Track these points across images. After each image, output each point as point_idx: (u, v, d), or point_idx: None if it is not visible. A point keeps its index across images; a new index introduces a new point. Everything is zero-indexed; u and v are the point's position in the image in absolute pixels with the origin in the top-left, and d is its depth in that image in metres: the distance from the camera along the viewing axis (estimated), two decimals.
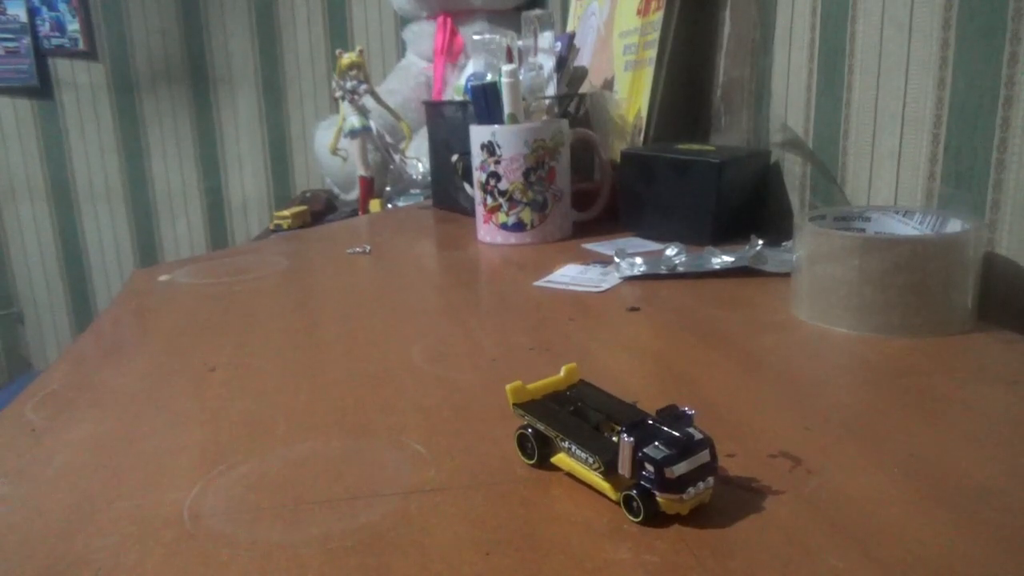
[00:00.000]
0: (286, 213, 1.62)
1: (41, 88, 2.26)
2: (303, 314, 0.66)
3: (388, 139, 1.50)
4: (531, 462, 0.39)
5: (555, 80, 0.95)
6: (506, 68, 0.83)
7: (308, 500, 0.36)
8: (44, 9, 2.21)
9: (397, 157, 1.50)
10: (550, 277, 0.72)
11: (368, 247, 0.89)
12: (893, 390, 0.45)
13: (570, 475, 0.37)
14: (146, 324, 0.66)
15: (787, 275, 0.63)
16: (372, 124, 1.47)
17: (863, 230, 0.61)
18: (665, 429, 0.34)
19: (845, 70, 0.73)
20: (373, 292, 0.72)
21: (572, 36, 1.01)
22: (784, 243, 0.70)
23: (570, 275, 0.72)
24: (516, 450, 0.39)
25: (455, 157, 0.95)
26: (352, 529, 0.34)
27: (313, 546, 0.33)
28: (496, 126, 0.84)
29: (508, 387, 0.39)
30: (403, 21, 2.01)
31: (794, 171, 0.83)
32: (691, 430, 0.34)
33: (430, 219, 1.07)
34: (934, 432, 0.40)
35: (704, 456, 0.33)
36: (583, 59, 1.09)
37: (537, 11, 0.96)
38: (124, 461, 0.41)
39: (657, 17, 0.93)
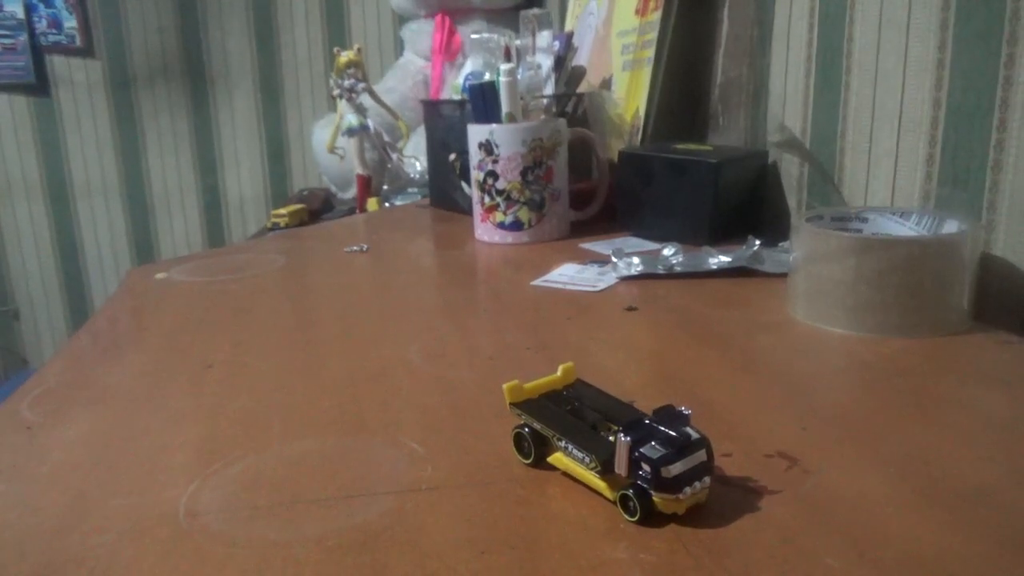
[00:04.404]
0: (283, 211, 1.62)
1: (38, 85, 2.26)
2: (300, 312, 0.66)
3: (386, 137, 1.50)
4: (528, 461, 0.39)
5: (553, 79, 0.95)
6: (504, 67, 0.83)
7: (304, 498, 0.36)
8: (41, 6, 2.20)
9: (395, 156, 1.50)
10: (547, 276, 0.72)
11: (366, 246, 0.89)
12: (889, 390, 0.45)
13: (567, 474, 0.37)
14: (142, 322, 0.66)
15: (784, 275, 0.63)
16: (370, 122, 1.47)
17: (860, 231, 0.61)
18: (662, 429, 0.34)
19: (843, 70, 0.73)
20: (370, 291, 0.72)
21: (570, 35, 1.01)
22: (781, 243, 0.71)
23: (567, 274, 0.72)
24: (513, 449, 0.39)
25: (453, 156, 0.95)
26: (348, 528, 0.34)
27: (309, 544, 0.33)
28: (494, 125, 0.84)
29: (505, 386, 0.39)
30: (401, 19, 2.00)
31: (791, 171, 0.83)
32: (688, 430, 0.34)
33: (427, 218, 1.07)
34: (930, 432, 0.40)
35: (700, 456, 0.33)
36: (581, 58, 1.09)
37: (535, 10, 0.96)
38: (120, 459, 0.41)
39: (655, 17, 0.93)
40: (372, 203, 1.45)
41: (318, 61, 2.29)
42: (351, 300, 0.69)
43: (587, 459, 0.35)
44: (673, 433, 0.33)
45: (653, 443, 0.33)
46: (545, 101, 0.92)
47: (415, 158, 1.48)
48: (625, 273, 0.70)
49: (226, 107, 2.32)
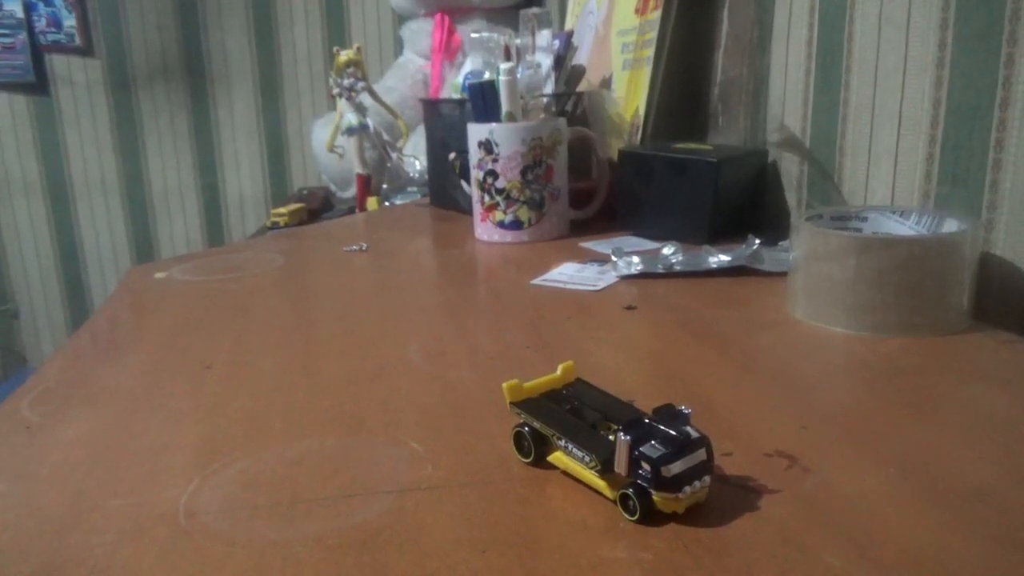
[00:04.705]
0: (283, 210, 1.62)
1: (37, 84, 2.26)
2: (300, 312, 0.66)
3: (385, 137, 1.50)
4: (527, 460, 0.39)
5: (553, 78, 0.95)
6: (504, 66, 0.83)
7: (304, 498, 0.36)
8: (41, 5, 2.20)
9: (394, 155, 1.50)
10: (547, 275, 0.72)
11: (365, 245, 0.89)
12: (889, 389, 0.45)
13: (566, 473, 0.37)
14: (142, 321, 0.66)
15: (784, 274, 0.63)
16: (369, 122, 1.47)
17: (860, 230, 0.61)
18: (662, 428, 0.34)
19: (843, 69, 0.73)
20: (370, 290, 0.72)
21: (570, 34, 1.01)
22: (781, 242, 0.71)
23: (567, 273, 0.72)
24: (513, 448, 0.39)
25: (452, 155, 0.95)
26: (348, 527, 0.34)
27: (309, 544, 0.33)
28: (494, 124, 0.84)
29: (505, 385, 0.39)
30: (401, 19, 2.00)
31: (791, 170, 0.83)
32: (687, 429, 0.34)
33: (427, 217, 1.07)
34: (930, 431, 0.40)
35: (700, 455, 0.33)
36: (581, 57, 1.09)
37: (535, 9, 0.96)
38: (120, 458, 0.41)
39: (655, 16, 0.93)
40: (372, 202, 1.45)
41: (318, 60, 2.29)
42: (351, 300, 0.69)
43: (587, 458, 0.35)
44: (673, 432, 0.33)
45: (653, 442, 0.33)
46: (545, 100, 0.92)
47: (415, 157, 1.48)
48: (625, 272, 0.70)
49: (226, 106, 2.32)
